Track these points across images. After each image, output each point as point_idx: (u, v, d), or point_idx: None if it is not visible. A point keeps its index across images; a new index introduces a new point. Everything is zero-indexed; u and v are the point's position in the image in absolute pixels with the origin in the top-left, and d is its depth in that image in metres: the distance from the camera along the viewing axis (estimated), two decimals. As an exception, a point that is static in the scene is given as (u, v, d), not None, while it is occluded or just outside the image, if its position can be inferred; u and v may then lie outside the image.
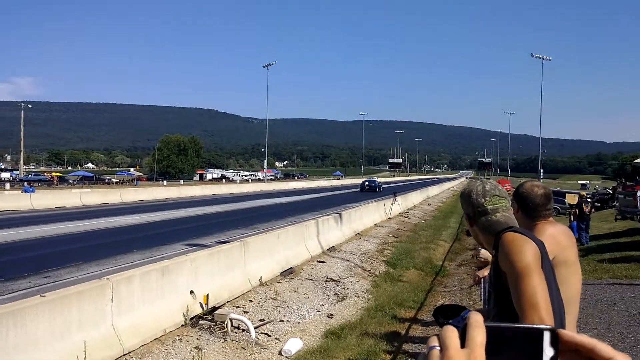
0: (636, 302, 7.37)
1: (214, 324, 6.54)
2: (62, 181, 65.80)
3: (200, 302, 6.80)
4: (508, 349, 0.57)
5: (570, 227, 13.75)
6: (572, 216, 16.34)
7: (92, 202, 26.63)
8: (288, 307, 7.88)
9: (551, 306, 1.56)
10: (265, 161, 65.94)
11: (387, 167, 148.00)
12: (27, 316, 4.44)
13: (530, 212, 2.26)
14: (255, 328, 6.54)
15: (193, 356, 5.66)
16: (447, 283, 10.43)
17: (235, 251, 8.29)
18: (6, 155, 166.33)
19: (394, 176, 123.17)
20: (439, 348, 0.57)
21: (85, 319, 5.05)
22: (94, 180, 68.87)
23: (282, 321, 7.24)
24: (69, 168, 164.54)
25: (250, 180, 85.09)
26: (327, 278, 9.86)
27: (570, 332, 0.58)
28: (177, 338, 6.03)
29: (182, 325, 6.34)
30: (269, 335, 6.63)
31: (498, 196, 1.84)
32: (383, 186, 47.77)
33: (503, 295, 1.67)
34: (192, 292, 6.79)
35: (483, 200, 1.83)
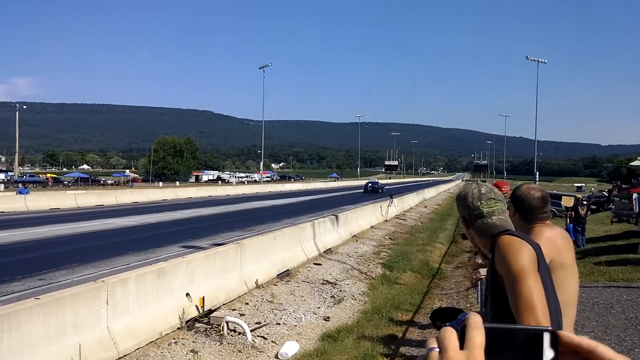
0: (633, 305, 7.39)
1: (210, 326, 6.52)
2: (57, 182, 65.49)
3: (196, 305, 6.78)
4: (507, 351, 0.57)
5: (567, 230, 13.78)
6: (568, 219, 16.38)
7: (87, 204, 26.53)
8: (284, 309, 7.86)
9: (548, 309, 1.56)
10: (261, 163, 65.84)
11: (383, 169, 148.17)
12: (22, 319, 4.41)
13: (528, 214, 2.26)
14: (251, 331, 6.52)
15: (189, 359, 5.64)
16: (443, 286, 10.43)
17: (231, 253, 8.27)
18: (1, 156, 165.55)
19: (390, 178, 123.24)
20: (438, 349, 0.57)
21: (81, 322, 5.02)
22: (89, 181, 68.59)
23: (279, 324, 7.22)
24: (64, 169, 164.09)
25: (246, 182, 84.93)
26: (324, 280, 9.85)
27: (570, 334, 0.57)
28: (172, 341, 6.00)
29: (178, 328, 6.31)
30: (266, 338, 6.61)
31: (494, 199, 1.84)
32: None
33: (500, 298, 1.67)
34: (188, 294, 6.77)
35: (479, 203, 1.83)
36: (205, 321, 6.62)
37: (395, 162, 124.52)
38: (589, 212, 17.48)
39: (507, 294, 1.62)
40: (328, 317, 7.80)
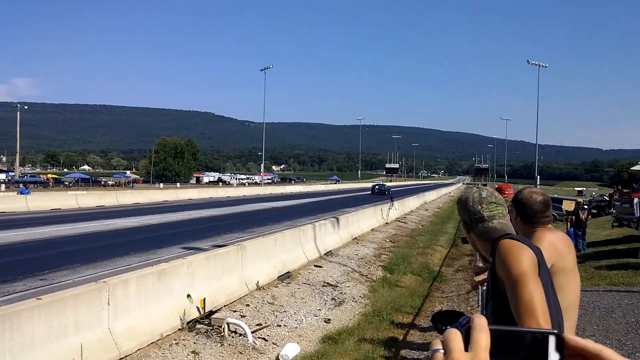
0: (634, 309, 7.39)
1: (211, 328, 6.52)
2: (58, 183, 65.62)
3: (197, 306, 6.79)
4: (512, 353, 0.57)
5: (567, 234, 13.79)
6: (568, 223, 16.37)
7: (88, 205, 26.54)
8: (285, 311, 7.86)
9: (549, 312, 1.57)
10: (262, 165, 65.81)
11: (384, 172, 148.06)
12: (23, 319, 4.42)
13: (529, 218, 2.27)
14: (252, 333, 6.53)
15: (189, 360, 5.65)
16: (444, 289, 10.43)
17: (232, 255, 8.28)
18: (2, 156, 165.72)
19: (390, 181, 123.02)
20: (442, 351, 0.57)
21: (82, 322, 5.03)
22: (90, 182, 68.68)
23: (280, 326, 7.23)
24: (65, 170, 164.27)
25: (247, 184, 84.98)
26: (325, 283, 9.85)
27: (576, 337, 0.57)
28: (173, 342, 6.01)
29: (179, 329, 6.32)
30: (266, 340, 6.62)
31: (495, 203, 1.85)
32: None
33: (501, 302, 1.68)
34: (189, 295, 6.78)
35: (480, 207, 1.84)
36: (206, 322, 6.62)
37: (397, 165, 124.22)
38: (589, 216, 17.46)
39: (508, 298, 1.63)
40: (329, 319, 7.81)
